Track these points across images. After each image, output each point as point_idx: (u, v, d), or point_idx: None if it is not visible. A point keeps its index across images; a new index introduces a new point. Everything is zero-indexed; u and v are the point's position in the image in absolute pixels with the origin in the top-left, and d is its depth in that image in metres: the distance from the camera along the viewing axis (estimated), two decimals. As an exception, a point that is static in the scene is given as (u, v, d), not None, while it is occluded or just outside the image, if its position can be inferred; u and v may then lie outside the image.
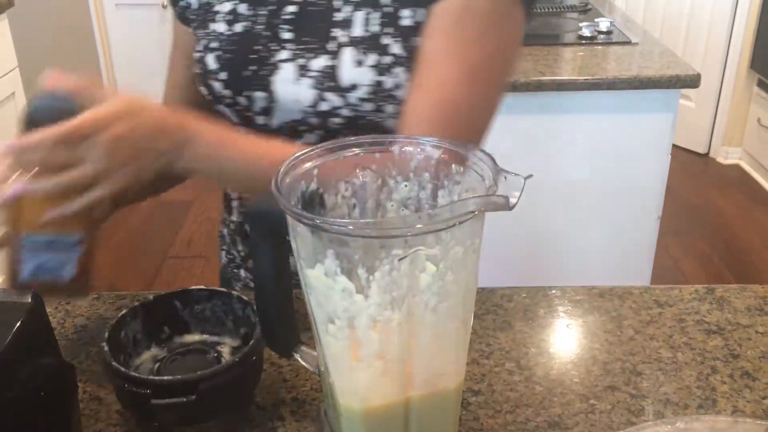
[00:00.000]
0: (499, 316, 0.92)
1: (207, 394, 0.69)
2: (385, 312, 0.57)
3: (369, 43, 0.87)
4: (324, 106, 0.89)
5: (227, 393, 0.72)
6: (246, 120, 0.95)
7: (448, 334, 0.61)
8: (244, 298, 0.80)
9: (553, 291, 0.97)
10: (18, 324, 0.62)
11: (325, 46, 0.88)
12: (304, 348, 0.71)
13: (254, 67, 0.91)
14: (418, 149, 0.66)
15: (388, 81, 0.87)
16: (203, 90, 0.97)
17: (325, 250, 0.57)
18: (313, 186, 0.64)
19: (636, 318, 0.91)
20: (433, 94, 0.85)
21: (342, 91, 0.88)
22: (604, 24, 2.29)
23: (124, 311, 0.78)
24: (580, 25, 2.30)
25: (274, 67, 0.90)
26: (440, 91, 0.85)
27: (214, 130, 0.84)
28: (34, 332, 0.66)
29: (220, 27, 0.94)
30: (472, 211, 0.56)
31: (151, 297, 0.80)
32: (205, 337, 0.82)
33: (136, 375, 0.71)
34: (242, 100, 0.93)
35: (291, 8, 0.91)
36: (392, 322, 0.58)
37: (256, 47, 0.91)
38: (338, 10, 0.89)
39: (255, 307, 0.73)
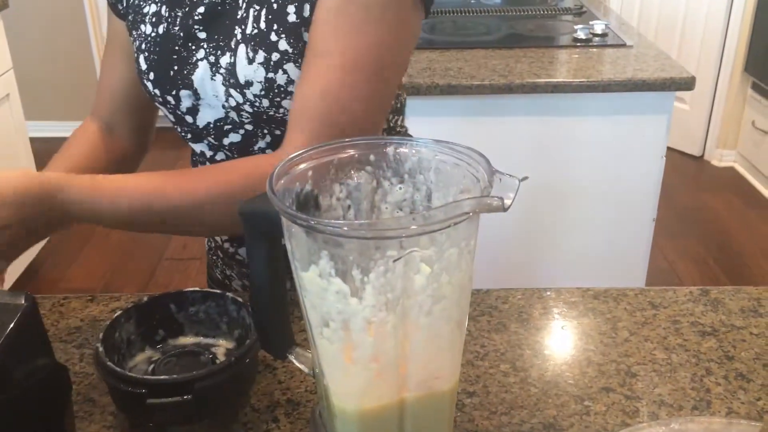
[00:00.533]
0: (494, 318, 0.92)
1: (202, 394, 0.69)
2: (379, 314, 0.57)
3: (257, 40, 0.88)
4: (232, 102, 0.91)
5: (223, 393, 0.72)
6: (178, 119, 0.98)
7: (443, 336, 0.61)
8: (239, 299, 0.80)
9: (548, 293, 0.97)
10: (11, 325, 0.62)
11: (229, 43, 0.90)
12: (298, 350, 0.71)
13: (177, 67, 0.94)
14: (413, 150, 0.67)
15: (279, 78, 0.88)
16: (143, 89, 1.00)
17: (320, 252, 0.57)
18: (308, 187, 0.64)
19: (631, 320, 0.91)
20: (315, 84, 0.84)
21: (240, 87, 0.89)
22: (599, 26, 2.29)
23: (118, 313, 0.78)
24: (575, 27, 2.30)
25: (194, 66, 0.92)
26: (322, 81, 0.84)
27: (78, 179, 0.84)
28: (27, 334, 0.66)
29: (147, 29, 0.96)
30: (467, 213, 0.56)
31: (145, 298, 0.80)
32: (199, 339, 0.81)
33: (132, 375, 0.71)
34: (170, 99, 0.95)
35: (201, 9, 0.92)
36: (387, 324, 0.58)
37: (176, 47, 0.93)
38: (240, 7, 0.90)
39: (250, 309, 0.73)
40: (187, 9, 0.93)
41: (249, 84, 0.88)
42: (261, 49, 0.87)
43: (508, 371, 0.82)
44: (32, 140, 2.77)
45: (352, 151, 0.66)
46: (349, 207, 0.68)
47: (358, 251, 0.56)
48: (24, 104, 2.71)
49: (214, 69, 0.91)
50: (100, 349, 0.72)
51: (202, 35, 0.92)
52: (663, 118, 2.03)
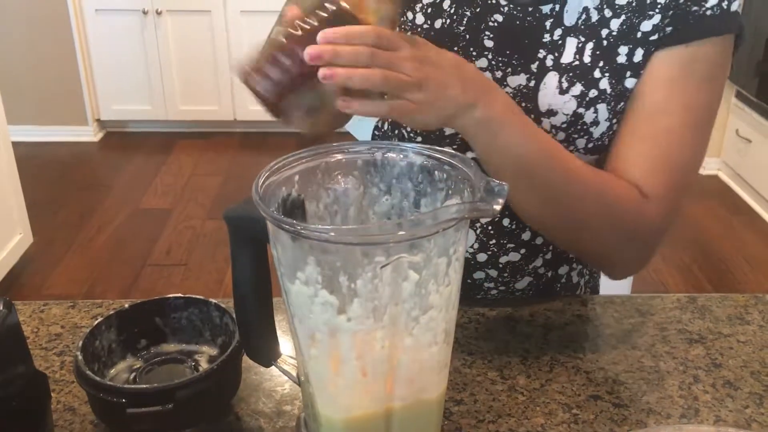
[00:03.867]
0: (482, 325, 0.91)
1: (184, 403, 0.68)
2: (366, 321, 0.56)
3: (577, 73, 0.85)
4: None
5: (205, 402, 0.71)
6: None
7: (430, 344, 0.61)
8: (222, 305, 0.78)
9: (536, 300, 0.97)
10: (-11, 332, 0.61)
11: (529, 65, 0.86)
12: (284, 357, 0.70)
13: None
14: (401, 156, 0.66)
15: (588, 115, 0.85)
16: None
17: (306, 257, 0.56)
18: (294, 193, 0.63)
19: (618, 327, 0.91)
20: (658, 146, 0.84)
21: (538, 114, 0.85)
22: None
23: (99, 320, 0.76)
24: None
25: None
26: (665, 142, 0.84)
27: (505, 96, 0.77)
28: (6, 341, 0.64)
29: (418, 18, 0.89)
30: (455, 219, 0.55)
31: (126, 305, 0.79)
32: (182, 346, 0.80)
33: (111, 384, 0.70)
34: None
35: (497, 16, 0.87)
36: (374, 332, 0.57)
37: (455, 48, 0.88)
38: (547, 30, 0.86)
39: (233, 316, 0.72)
40: (478, 10, 0.87)
41: (552, 113, 0.85)
42: (580, 83, 0.84)
43: (496, 379, 0.81)
44: (14, 144, 2.74)
45: (339, 156, 0.66)
46: (336, 212, 0.67)
47: (345, 257, 0.56)
48: (6, 108, 2.68)
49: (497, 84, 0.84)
50: (80, 357, 0.71)
51: (489, 44, 0.87)
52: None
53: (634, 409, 0.77)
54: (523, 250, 0.96)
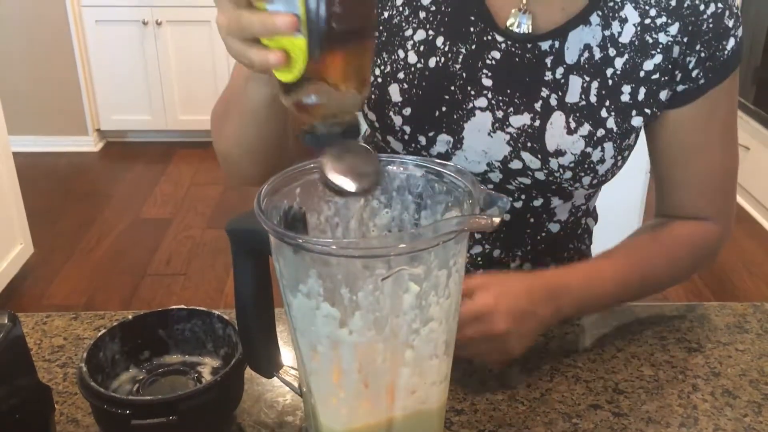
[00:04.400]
0: (482, 335, 0.91)
1: (187, 414, 0.68)
2: (368, 333, 0.57)
3: (584, 113, 0.84)
4: (516, 165, 0.85)
5: (208, 413, 0.71)
6: (414, 154, 0.88)
7: (431, 355, 0.61)
8: (225, 317, 0.79)
9: (535, 309, 0.97)
10: (-6, 345, 0.61)
11: (532, 104, 0.84)
12: (286, 368, 0.71)
13: (445, 109, 0.85)
14: (401, 168, 0.66)
15: (595, 154, 0.85)
16: (371, 116, 0.88)
17: (308, 270, 0.56)
18: (296, 206, 0.64)
19: (617, 335, 0.91)
20: (710, 178, 0.92)
21: (545, 154, 0.84)
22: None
23: (102, 332, 0.77)
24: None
25: (469, 113, 0.85)
26: (714, 172, 0.92)
27: (576, 276, 0.85)
28: (10, 353, 0.65)
29: (410, 57, 0.85)
30: (455, 231, 0.55)
31: (129, 317, 0.79)
32: (185, 357, 0.81)
33: (116, 395, 0.70)
34: (422, 139, 0.86)
35: (495, 53, 0.84)
36: (375, 344, 0.57)
37: (451, 88, 0.85)
38: (549, 68, 0.84)
39: (236, 327, 0.72)
40: (474, 47, 0.84)
41: (560, 153, 0.84)
42: (587, 123, 0.84)
43: (496, 388, 0.82)
44: (15, 155, 2.75)
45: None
46: (337, 225, 0.68)
47: (346, 270, 0.56)
48: (7, 118, 2.69)
49: (497, 125, 0.84)
50: (84, 369, 0.71)
51: (488, 83, 0.84)
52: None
53: (633, 418, 0.78)
54: None
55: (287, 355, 0.75)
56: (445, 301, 0.59)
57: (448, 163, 0.64)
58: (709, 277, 2.97)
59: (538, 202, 0.91)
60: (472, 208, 0.59)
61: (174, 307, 0.81)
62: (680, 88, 0.86)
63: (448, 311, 0.60)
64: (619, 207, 2.13)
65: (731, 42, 0.84)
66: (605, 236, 2.19)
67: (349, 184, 0.58)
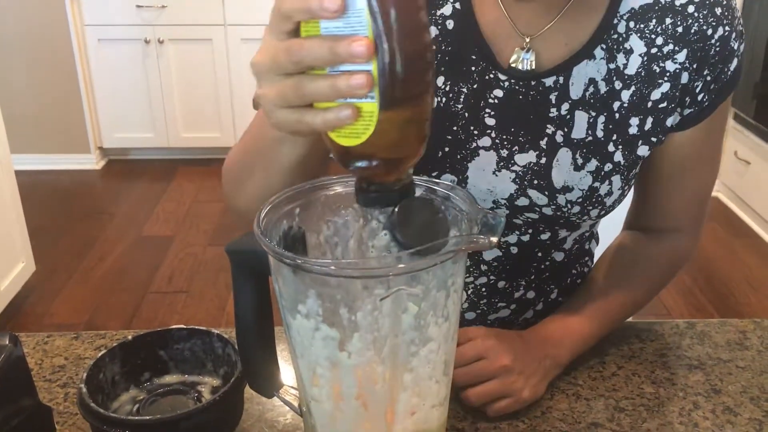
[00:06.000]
0: (482, 353, 0.91)
1: (187, 435, 0.68)
2: (367, 353, 0.57)
3: (591, 148, 0.83)
4: (523, 202, 0.85)
5: (208, 434, 0.71)
6: None
7: (430, 376, 0.61)
8: (224, 336, 0.79)
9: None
10: (-6, 367, 0.61)
11: (538, 141, 0.83)
12: (286, 387, 0.71)
13: (449, 149, 0.84)
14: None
15: (603, 188, 0.84)
16: None
17: (307, 290, 0.57)
18: (295, 226, 0.64)
19: (618, 353, 0.91)
20: (691, 191, 0.93)
21: (552, 191, 0.83)
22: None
23: (102, 352, 0.77)
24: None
25: (473, 152, 0.84)
26: (695, 185, 0.93)
27: (567, 334, 0.87)
28: (10, 374, 0.65)
29: None
30: (453, 251, 0.56)
31: (130, 337, 0.79)
32: (185, 377, 0.81)
33: (116, 416, 0.70)
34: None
35: (497, 92, 0.83)
36: (374, 365, 0.57)
37: (454, 128, 0.84)
38: (553, 104, 0.83)
39: (235, 346, 0.72)
40: (475, 86, 0.83)
41: (567, 189, 0.83)
42: (594, 158, 0.83)
43: (497, 407, 0.82)
44: (17, 173, 2.76)
45: (339, 188, 0.67)
46: (336, 244, 0.68)
47: (345, 290, 0.56)
48: (9, 137, 2.70)
49: (502, 163, 0.83)
50: (84, 389, 0.71)
51: (491, 122, 0.83)
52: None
53: (634, 436, 0.78)
54: (513, 306, 0.96)
55: (287, 374, 0.75)
56: (444, 322, 0.59)
57: (444, 182, 0.64)
58: (712, 292, 2.96)
59: (545, 236, 0.90)
60: (469, 228, 0.59)
61: (173, 326, 0.81)
62: (686, 112, 0.85)
63: (447, 333, 0.60)
64: (619, 221, 2.13)
65: (734, 62, 0.84)
66: (605, 236, 2.18)
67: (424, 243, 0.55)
